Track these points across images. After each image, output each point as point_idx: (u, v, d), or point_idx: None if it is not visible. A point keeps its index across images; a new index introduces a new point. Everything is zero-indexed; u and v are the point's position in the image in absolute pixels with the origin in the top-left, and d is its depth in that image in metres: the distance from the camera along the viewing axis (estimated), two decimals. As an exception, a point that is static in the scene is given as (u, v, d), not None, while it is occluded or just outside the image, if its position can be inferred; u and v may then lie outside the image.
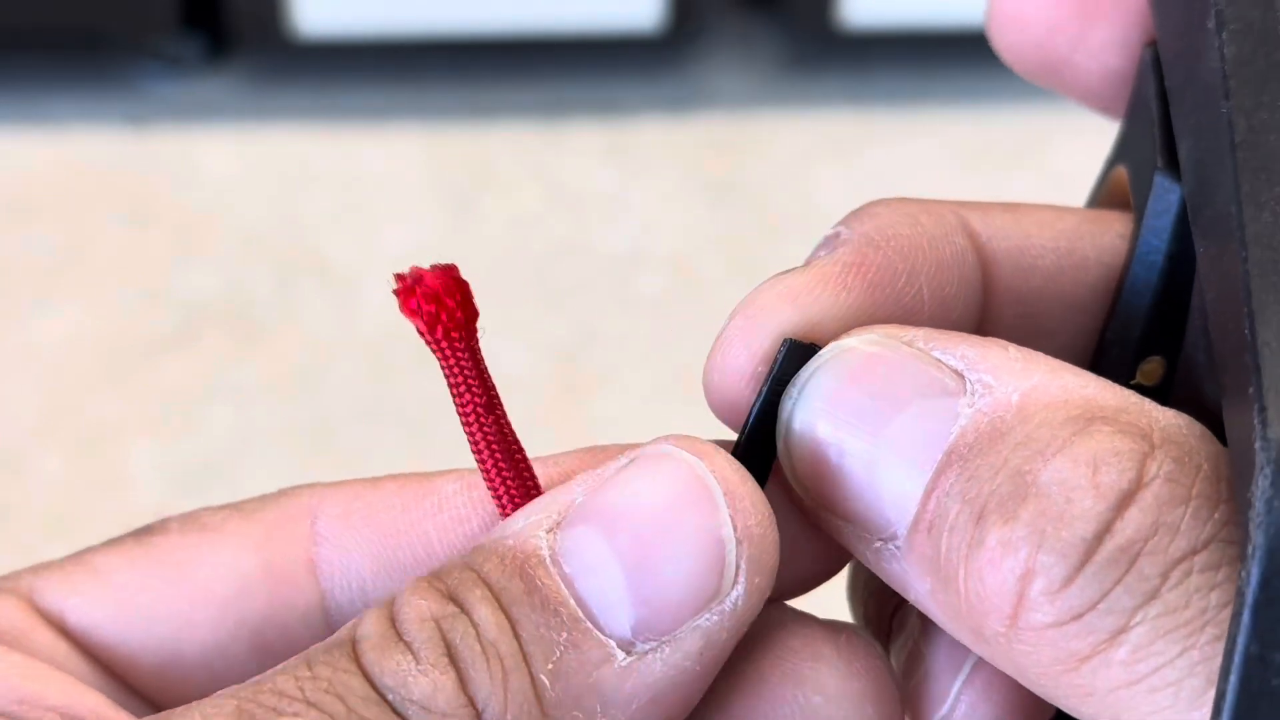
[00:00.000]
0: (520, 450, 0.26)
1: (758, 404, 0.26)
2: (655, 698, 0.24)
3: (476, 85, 1.13)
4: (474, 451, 0.26)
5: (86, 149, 1.08)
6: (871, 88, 1.14)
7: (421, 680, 0.23)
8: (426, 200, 1.06)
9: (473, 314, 0.26)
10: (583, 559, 0.24)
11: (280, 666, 0.24)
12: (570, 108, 1.12)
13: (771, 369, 0.26)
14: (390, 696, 0.23)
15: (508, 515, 0.26)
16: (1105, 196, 0.31)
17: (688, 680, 0.25)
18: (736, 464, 0.25)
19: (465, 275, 0.26)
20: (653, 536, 0.25)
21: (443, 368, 0.26)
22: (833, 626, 0.26)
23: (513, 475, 0.26)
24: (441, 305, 0.25)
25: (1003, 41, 0.31)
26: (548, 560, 0.24)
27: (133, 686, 0.28)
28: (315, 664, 0.24)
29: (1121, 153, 0.31)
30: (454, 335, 0.25)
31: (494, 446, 0.26)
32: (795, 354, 0.26)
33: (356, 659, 0.24)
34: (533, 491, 0.26)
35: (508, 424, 0.26)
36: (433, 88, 1.13)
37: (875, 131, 1.12)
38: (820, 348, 0.26)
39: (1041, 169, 1.07)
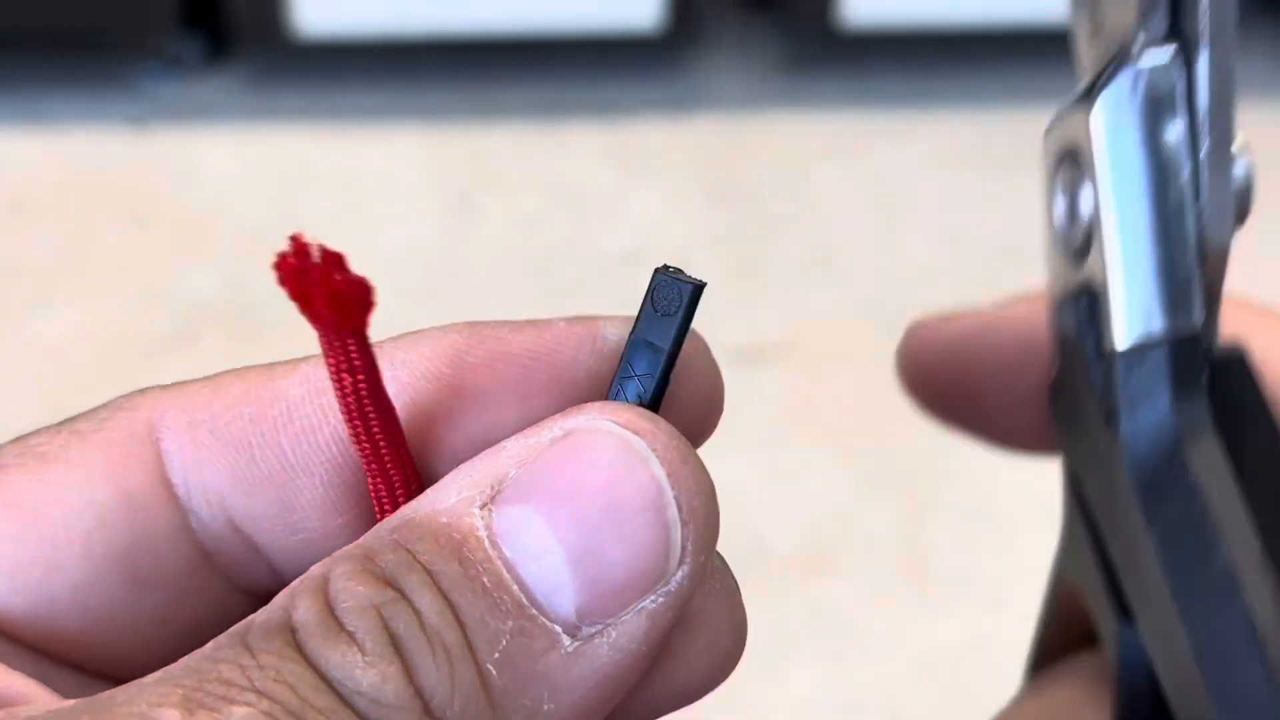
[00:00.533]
0: (403, 441, 0.26)
1: (668, 350, 0.25)
2: (601, 681, 0.24)
3: (476, 85, 1.13)
4: (355, 437, 0.25)
5: (86, 149, 1.08)
6: (871, 88, 1.14)
7: (370, 672, 0.23)
8: (426, 200, 1.06)
9: (369, 309, 0.24)
10: (523, 543, 0.24)
11: (212, 649, 0.23)
12: (570, 108, 1.12)
13: (680, 310, 0.25)
14: (338, 688, 0.23)
15: (377, 486, 0.25)
16: (1062, 603, 0.31)
17: (633, 662, 0.25)
18: (679, 438, 0.25)
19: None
20: (596, 520, 0.24)
21: (328, 356, 0.25)
22: None
23: (392, 459, 0.25)
24: (347, 314, 0.24)
25: (913, 391, 0.33)
26: (486, 543, 0.24)
27: (12, 636, 0.27)
28: (257, 651, 0.23)
29: (1067, 565, 0.30)
30: (357, 340, 0.24)
31: (378, 435, 0.25)
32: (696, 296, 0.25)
33: (298, 647, 0.23)
34: (406, 461, 0.26)
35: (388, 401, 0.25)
36: (433, 88, 1.13)
37: (875, 131, 1.12)
38: (701, 284, 0.25)
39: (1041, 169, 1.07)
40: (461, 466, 0.25)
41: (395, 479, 0.26)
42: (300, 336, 0.25)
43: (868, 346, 1.00)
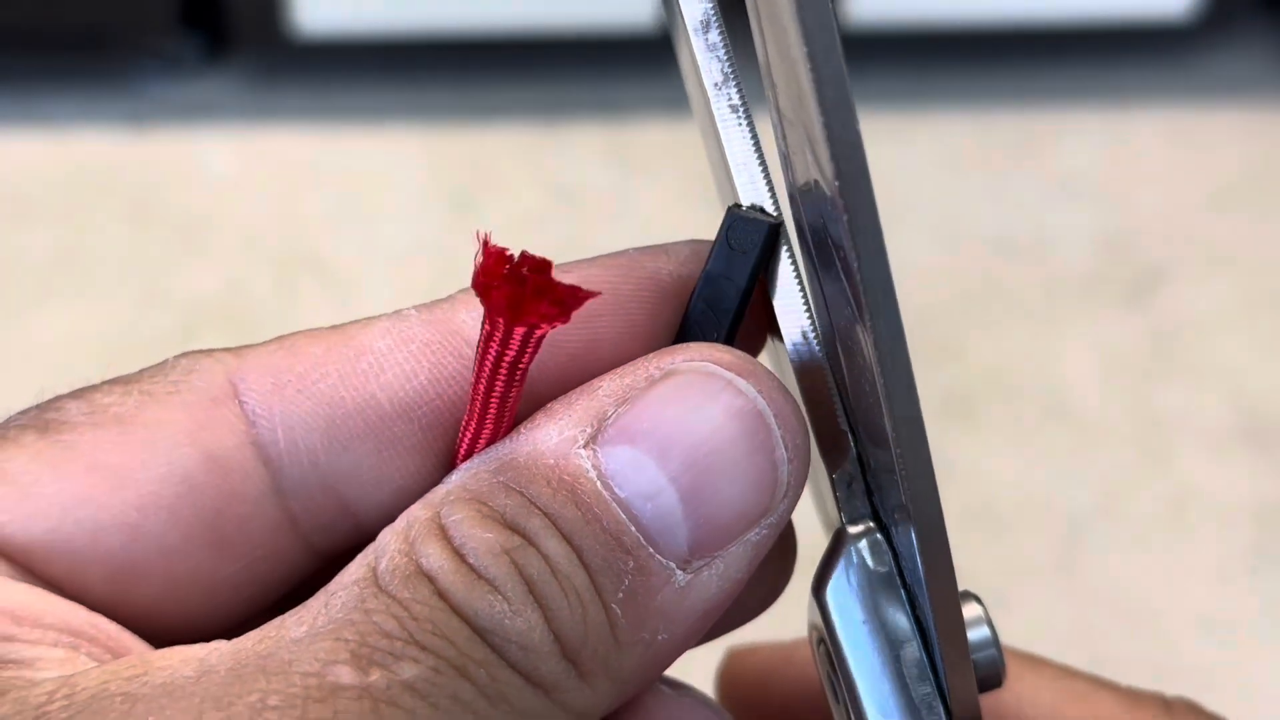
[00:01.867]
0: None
1: (744, 286, 0.26)
2: (708, 610, 0.25)
3: (476, 85, 1.13)
4: (478, 394, 0.25)
5: (86, 149, 1.08)
6: (871, 88, 1.14)
7: (517, 621, 0.23)
8: (426, 200, 1.06)
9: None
10: (636, 484, 0.24)
11: (353, 599, 0.23)
12: (570, 108, 1.12)
13: (757, 248, 0.26)
14: (489, 639, 0.23)
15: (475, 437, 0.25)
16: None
17: (735, 589, 0.25)
18: (775, 377, 0.25)
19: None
20: (709, 462, 0.24)
21: (497, 352, 0.24)
22: (676, 685, 0.28)
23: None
24: (546, 323, 0.24)
25: (733, 712, 0.34)
26: (598, 484, 0.24)
27: (84, 600, 0.26)
28: (406, 602, 0.23)
29: None
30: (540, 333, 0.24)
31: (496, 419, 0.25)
32: (773, 235, 0.26)
33: (442, 596, 0.23)
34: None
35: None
36: (433, 88, 1.13)
37: (875, 131, 1.12)
38: (776, 221, 0.25)
39: (1041, 169, 1.07)
40: (554, 405, 0.25)
41: (501, 423, 0.25)
42: (300, 336, 0.25)
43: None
